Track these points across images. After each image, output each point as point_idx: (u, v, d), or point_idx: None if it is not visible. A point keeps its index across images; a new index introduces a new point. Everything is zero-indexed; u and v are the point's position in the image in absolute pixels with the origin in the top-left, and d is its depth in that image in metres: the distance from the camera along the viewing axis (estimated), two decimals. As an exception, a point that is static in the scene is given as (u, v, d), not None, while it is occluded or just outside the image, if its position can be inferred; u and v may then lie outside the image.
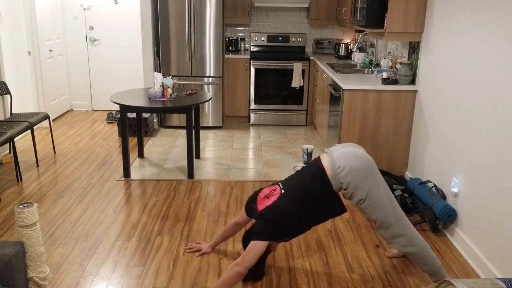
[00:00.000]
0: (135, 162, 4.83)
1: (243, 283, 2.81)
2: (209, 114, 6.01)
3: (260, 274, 2.86)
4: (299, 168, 4.61)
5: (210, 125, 6.06)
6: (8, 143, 5.00)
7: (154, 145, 5.36)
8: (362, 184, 2.58)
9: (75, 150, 5.16)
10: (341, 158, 2.63)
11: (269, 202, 2.71)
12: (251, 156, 5.06)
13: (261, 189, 2.88)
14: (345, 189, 2.63)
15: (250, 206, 2.84)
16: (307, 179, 2.68)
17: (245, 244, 2.86)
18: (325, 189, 2.63)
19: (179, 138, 5.64)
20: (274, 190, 2.77)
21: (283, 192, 2.71)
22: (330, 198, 2.65)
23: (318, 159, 2.74)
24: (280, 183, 2.81)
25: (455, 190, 3.30)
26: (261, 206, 2.73)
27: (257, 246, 2.57)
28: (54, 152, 5.08)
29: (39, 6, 5.86)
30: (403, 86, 4.16)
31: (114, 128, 6.07)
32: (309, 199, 2.64)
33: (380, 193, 2.61)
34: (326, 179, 2.63)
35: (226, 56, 6.07)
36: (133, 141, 5.48)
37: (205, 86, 5.89)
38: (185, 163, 4.80)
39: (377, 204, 2.60)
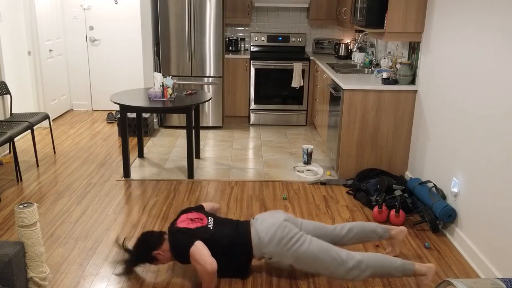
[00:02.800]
0: (135, 162, 4.83)
1: (243, 283, 2.81)
2: (209, 114, 6.01)
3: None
4: (299, 168, 4.63)
5: (210, 125, 6.06)
6: (8, 143, 5.00)
7: (154, 145, 5.36)
8: (285, 252, 2.68)
9: (75, 150, 5.16)
10: (263, 229, 2.73)
11: (191, 225, 2.77)
12: (251, 156, 5.06)
13: (186, 210, 2.95)
14: (269, 259, 2.74)
15: (171, 224, 2.88)
16: (235, 234, 2.76)
17: (140, 243, 2.87)
18: (244, 251, 2.74)
19: (179, 138, 5.64)
20: (201, 219, 2.84)
21: (209, 227, 2.78)
22: (242, 260, 2.77)
23: (248, 224, 2.84)
24: (210, 218, 2.87)
25: (455, 190, 3.30)
26: (181, 224, 2.79)
27: (197, 249, 2.61)
28: (54, 152, 5.08)
29: (39, 6, 5.86)
30: (403, 86, 4.16)
31: (114, 128, 6.07)
32: (227, 248, 2.72)
33: (306, 250, 2.67)
34: (249, 244, 2.74)
35: (226, 56, 6.07)
36: (133, 141, 5.49)
37: (205, 86, 5.89)
38: (185, 163, 4.80)
39: (310, 260, 2.67)
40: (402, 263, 2.68)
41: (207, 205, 3.11)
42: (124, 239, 3.06)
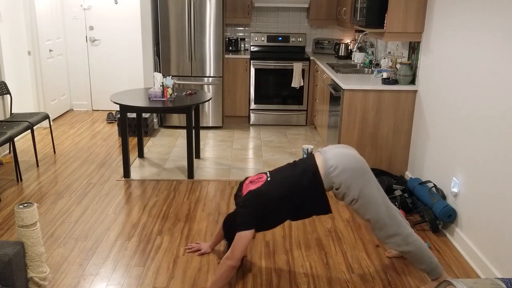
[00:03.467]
0: (135, 162, 4.83)
1: (243, 282, 2.81)
2: (209, 114, 6.01)
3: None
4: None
5: (210, 125, 6.06)
6: (8, 143, 5.00)
7: (154, 145, 5.36)
8: (354, 184, 2.60)
9: (75, 150, 5.16)
10: (334, 157, 2.64)
11: (253, 187, 2.71)
12: (251, 156, 5.06)
13: (247, 178, 2.90)
14: (336, 189, 2.65)
15: (237, 194, 2.85)
16: (298, 173, 2.68)
17: (225, 228, 2.87)
18: (314, 186, 2.64)
19: (179, 138, 5.64)
20: (260, 177, 2.78)
21: (268, 179, 2.72)
22: (317, 196, 2.65)
23: (312, 157, 2.75)
24: (268, 172, 2.82)
25: (455, 190, 3.30)
26: (245, 192, 2.74)
27: (243, 237, 2.58)
28: (54, 152, 5.08)
29: (39, 6, 5.86)
30: (403, 86, 4.17)
31: (114, 128, 6.07)
32: (295, 192, 2.64)
33: (373, 193, 2.62)
34: (318, 177, 2.64)
35: (226, 56, 6.07)
36: (133, 141, 5.49)
37: (205, 86, 5.89)
38: (185, 163, 4.80)
39: (370, 204, 2.61)
40: (437, 263, 2.69)
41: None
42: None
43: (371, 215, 2.63)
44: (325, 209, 2.71)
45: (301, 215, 2.74)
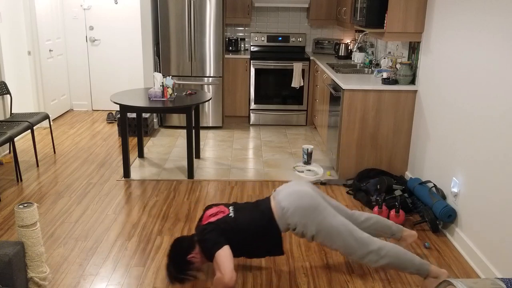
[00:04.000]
0: (135, 162, 4.83)
1: (243, 282, 2.81)
2: (209, 114, 6.01)
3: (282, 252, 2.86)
4: (299, 168, 4.63)
5: (210, 125, 6.06)
6: (8, 143, 5.00)
7: (154, 145, 5.36)
8: (310, 222, 2.66)
9: (75, 150, 5.16)
10: (285, 199, 2.71)
11: (213, 219, 2.73)
12: (251, 156, 5.06)
13: (209, 206, 2.92)
14: (294, 229, 2.71)
15: (198, 225, 2.85)
16: (257, 214, 2.74)
17: (172, 251, 2.76)
18: (270, 230, 2.70)
19: (179, 138, 5.64)
20: (222, 212, 2.80)
21: (230, 215, 2.74)
22: (272, 239, 2.73)
23: (268, 200, 2.81)
24: (231, 207, 2.83)
25: (455, 190, 3.30)
26: (204, 222, 2.76)
27: (223, 254, 2.55)
28: (54, 152, 5.08)
29: (39, 6, 5.86)
30: (403, 86, 4.16)
31: (114, 128, 6.07)
32: (253, 232, 2.69)
33: (330, 224, 2.66)
34: (273, 220, 2.70)
35: (226, 56, 6.07)
36: (133, 141, 5.49)
37: (205, 86, 5.89)
38: (185, 163, 4.80)
39: (332, 235, 2.66)
40: (420, 262, 2.69)
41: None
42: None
43: (337, 244, 2.68)
44: (279, 252, 2.79)
45: (256, 255, 2.82)
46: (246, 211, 2.79)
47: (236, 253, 2.67)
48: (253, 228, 2.69)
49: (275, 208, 2.72)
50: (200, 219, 2.86)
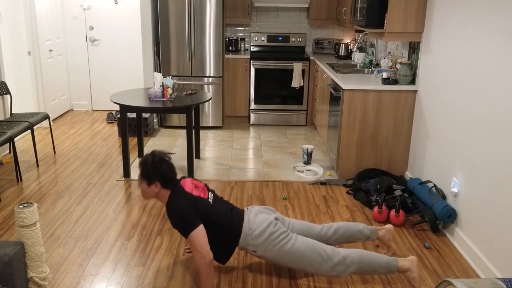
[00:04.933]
0: (135, 162, 4.83)
1: (243, 282, 2.81)
2: (209, 114, 6.01)
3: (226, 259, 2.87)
4: (299, 168, 4.63)
5: (210, 125, 6.06)
6: (8, 143, 5.00)
7: (154, 145, 5.36)
8: (271, 247, 2.68)
9: (75, 150, 5.16)
10: (255, 221, 2.73)
11: (195, 192, 2.69)
12: (251, 156, 5.06)
13: (187, 176, 2.87)
14: (254, 251, 2.73)
15: (177, 179, 2.78)
16: (229, 217, 2.74)
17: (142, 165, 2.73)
18: (232, 236, 2.72)
19: (179, 138, 5.64)
20: (204, 191, 2.77)
21: (209, 201, 2.74)
22: (227, 244, 2.75)
23: (243, 212, 2.82)
24: (210, 192, 2.82)
25: (455, 190, 3.30)
26: (186, 187, 2.69)
27: (197, 235, 2.56)
28: (54, 152, 5.08)
29: (39, 6, 5.86)
30: (403, 86, 4.16)
31: (114, 128, 6.07)
32: (217, 229, 2.69)
33: (291, 247, 2.67)
34: (240, 232, 2.72)
35: (226, 56, 6.07)
36: (133, 141, 5.49)
37: (205, 86, 5.89)
38: (185, 163, 4.80)
39: (294, 257, 2.68)
40: (387, 259, 2.70)
41: None
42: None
43: (302, 265, 2.70)
44: (222, 259, 2.81)
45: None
46: (222, 207, 2.78)
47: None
48: (221, 226, 2.70)
49: (245, 224, 2.74)
50: (180, 179, 2.77)
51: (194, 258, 2.61)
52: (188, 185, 2.74)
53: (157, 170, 2.66)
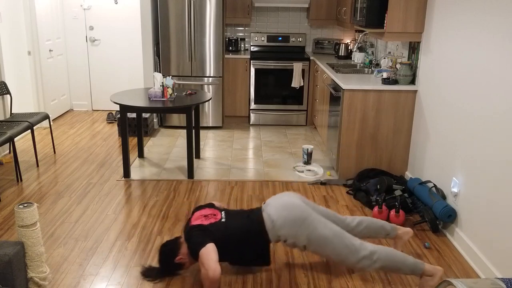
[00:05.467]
0: (135, 162, 4.83)
1: (243, 282, 2.81)
2: (209, 114, 6.01)
3: (268, 261, 2.88)
4: (299, 168, 4.63)
5: (210, 125, 6.06)
6: (8, 143, 5.00)
7: (154, 145, 5.36)
8: (300, 233, 2.68)
9: (75, 150, 5.16)
10: (275, 212, 2.73)
11: (205, 222, 2.76)
12: (251, 156, 5.06)
13: (199, 207, 2.95)
14: (285, 241, 2.74)
15: (186, 223, 2.89)
16: (249, 222, 2.76)
17: (161, 255, 2.84)
18: (260, 237, 2.73)
19: (179, 138, 5.64)
20: (215, 215, 2.83)
21: (223, 221, 2.78)
22: (260, 249, 2.76)
23: (260, 211, 2.83)
24: (223, 212, 2.86)
25: (455, 190, 3.30)
26: (195, 222, 2.78)
27: (206, 252, 2.57)
28: (54, 152, 5.08)
29: (39, 6, 5.86)
30: (403, 86, 4.16)
31: (114, 128, 6.07)
32: (243, 239, 2.72)
33: (320, 233, 2.68)
34: (264, 231, 2.73)
35: (226, 56, 6.07)
36: (133, 141, 5.49)
37: (205, 86, 5.89)
38: (185, 163, 4.80)
39: (322, 244, 2.68)
40: (414, 261, 2.69)
41: (216, 204, 3.12)
42: (144, 266, 2.96)
43: (328, 252, 2.70)
44: (265, 261, 2.82)
45: (241, 261, 2.84)
46: (237, 218, 2.82)
47: (221, 258, 2.69)
48: (243, 235, 2.73)
49: (265, 220, 2.75)
50: (190, 218, 2.88)
51: (201, 275, 2.60)
52: (196, 219, 2.81)
53: (171, 271, 2.82)
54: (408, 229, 3.04)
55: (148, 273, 2.84)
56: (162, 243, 2.88)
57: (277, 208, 2.75)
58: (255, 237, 2.73)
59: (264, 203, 2.89)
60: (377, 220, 3.00)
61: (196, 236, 2.67)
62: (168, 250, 2.80)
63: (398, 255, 2.69)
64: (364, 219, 2.97)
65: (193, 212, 2.94)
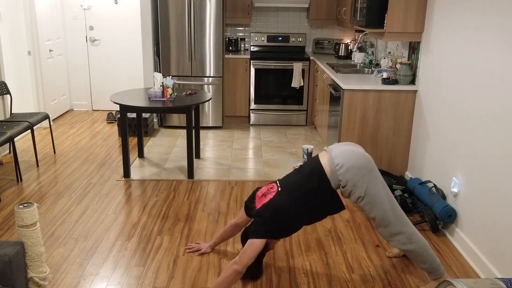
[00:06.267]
0: (135, 162, 4.83)
1: (243, 282, 2.81)
2: (209, 114, 6.01)
3: (258, 273, 2.86)
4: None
5: (210, 125, 6.06)
6: (8, 143, 5.00)
7: (154, 145, 5.36)
8: (361, 182, 2.60)
9: (75, 150, 5.16)
10: (340, 156, 2.64)
11: (266, 200, 2.72)
12: (251, 156, 5.06)
13: (258, 188, 2.89)
14: (343, 187, 2.65)
15: (249, 206, 2.85)
16: (305, 176, 2.69)
17: (244, 242, 2.85)
18: (323, 186, 2.64)
19: (179, 138, 5.64)
20: (271, 188, 2.78)
21: (279, 189, 2.72)
22: (328, 195, 2.66)
23: (317, 157, 2.75)
24: (278, 181, 2.82)
25: (455, 190, 3.30)
26: (259, 205, 2.74)
27: (254, 244, 2.58)
28: (54, 152, 5.08)
29: (39, 6, 5.86)
30: (403, 86, 4.17)
31: (114, 128, 6.07)
32: (307, 196, 2.64)
33: (378, 191, 2.62)
34: (324, 176, 2.64)
35: (226, 56, 6.07)
36: (133, 141, 5.49)
37: (205, 86, 5.89)
38: (185, 163, 4.80)
39: (376, 202, 2.62)
40: (439, 263, 2.71)
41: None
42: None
43: (376, 213, 2.63)
44: (339, 207, 2.71)
45: (317, 218, 2.75)
46: (292, 179, 2.74)
47: (296, 225, 2.69)
48: (305, 193, 2.64)
49: (327, 164, 2.66)
50: (253, 201, 2.82)
51: (232, 262, 2.57)
52: (258, 202, 2.78)
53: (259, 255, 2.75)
54: None
55: (248, 272, 2.77)
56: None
57: (343, 153, 2.65)
58: (318, 186, 2.63)
59: (326, 148, 2.79)
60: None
61: (257, 223, 2.64)
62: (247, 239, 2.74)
63: (431, 250, 2.70)
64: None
65: (253, 196, 2.85)
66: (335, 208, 2.72)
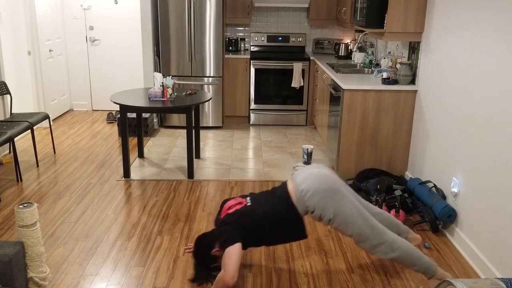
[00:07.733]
0: (135, 162, 4.83)
1: (243, 283, 2.81)
2: (209, 114, 6.01)
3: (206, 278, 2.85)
4: (299, 168, 4.63)
5: (210, 125, 6.06)
6: (8, 143, 5.00)
7: (154, 145, 5.36)
8: (328, 205, 2.63)
9: (75, 150, 5.16)
10: (304, 181, 2.68)
11: (231, 210, 2.77)
12: (251, 156, 5.06)
13: (226, 200, 2.95)
14: (312, 212, 2.69)
15: (217, 218, 2.91)
16: (275, 199, 2.74)
17: (199, 247, 2.86)
18: (290, 212, 2.69)
19: (179, 138, 5.64)
20: (240, 203, 2.82)
21: (248, 204, 2.77)
22: (293, 222, 2.71)
23: (285, 184, 2.80)
24: (248, 197, 2.86)
25: (455, 190, 3.30)
26: (223, 215, 2.79)
27: (232, 252, 2.56)
28: (54, 152, 5.08)
29: (39, 6, 5.86)
30: (403, 86, 4.16)
31: (114, 128, 6.07)
32: (274, 217, 2.69)
33: (347, 209, 2.64)
34: (291, 203, 2.69)
35: (226, 56, 6.07)
36: (133, 141, 5.49)
37: (205, 86, 5.89)
38: (185, 163, 4.80)
39: (348, 220, 2.65)
40: (429, 261, 2.70)
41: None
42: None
43: (352, 230, 2.66)
44: (301, 235, 2.77)
45: (277, 240, 2.82)
46: (263, 198, 2.78)
47: (257, 242, 2.72)
48: (272, 214, 2.68)
49: (292, 191, 2.70)
50: (219, 212, 2.89)
51: (219, 274, 2.57)
52: (224, 212, 2.82)
53: (207, 264, 2.83)
54: (418, 236, 3.05)
55: (196, 276, 2.82)
56: (197, 236, 2.90)
57: (306, 178, 2.68)
58: (285, 212, 2.67)
59: (293, 174, 2.82)
60: (393, 217, 3.01)
61: (224, 231, 2.65)
62: (204, 243, 2.80)
63: (416, 251, 2.70)
64: (383, 212, 2.97)
65: (221, 206, 2.92)
66: (297, 236, 2.77)
